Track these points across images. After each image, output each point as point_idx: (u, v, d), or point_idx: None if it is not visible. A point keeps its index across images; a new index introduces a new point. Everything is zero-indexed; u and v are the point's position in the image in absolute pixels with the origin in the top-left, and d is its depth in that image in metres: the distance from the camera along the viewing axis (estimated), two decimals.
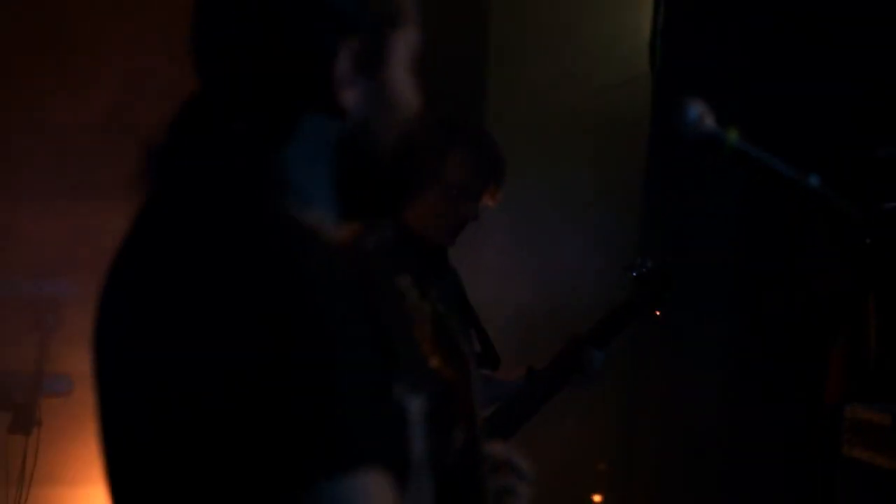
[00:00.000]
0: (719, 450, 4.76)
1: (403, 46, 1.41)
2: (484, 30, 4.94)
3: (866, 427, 3.28)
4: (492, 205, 3.14)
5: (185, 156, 1.32)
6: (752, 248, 4.41)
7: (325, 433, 1.12)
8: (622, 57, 5.02)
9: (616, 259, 4.00)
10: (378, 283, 1.35)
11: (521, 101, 4.92)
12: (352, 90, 1.34)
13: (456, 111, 3.42)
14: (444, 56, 4.71)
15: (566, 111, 4.87)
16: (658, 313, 3.31)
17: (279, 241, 1.22)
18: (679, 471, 4.89)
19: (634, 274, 3.29)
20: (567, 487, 4.80)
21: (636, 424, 5.01)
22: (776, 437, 4.14)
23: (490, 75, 4.99)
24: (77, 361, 2.76)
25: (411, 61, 1.42)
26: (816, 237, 1.86)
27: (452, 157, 3.05)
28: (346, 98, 1.34)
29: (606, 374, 3.35)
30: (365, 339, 1.20)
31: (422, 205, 3.06)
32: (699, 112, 1.83)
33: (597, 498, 4.90)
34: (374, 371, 1.20)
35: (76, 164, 4.26)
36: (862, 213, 1.87)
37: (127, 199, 1.34)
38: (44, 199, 4.26)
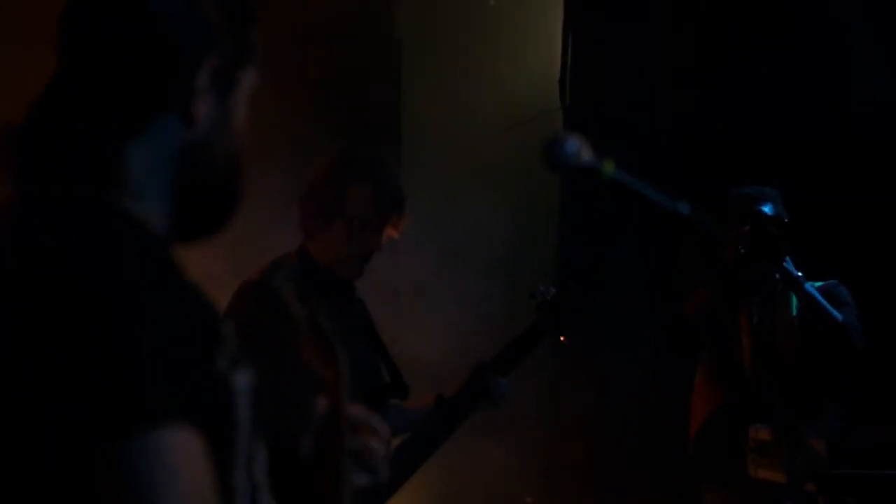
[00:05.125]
0: (640, 477, 4.87)
1: (248, 82, 1.53)
2: (397, 72, 5.03)
3: (764, 446, 3.34)
4: (395, 236, 3.18)
5: (36, 144, 1.43)
6: (660, 278, 4.52)
7: (131, 394, 1.28)
8: (533, 94, 5.13)
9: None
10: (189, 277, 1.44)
11: (434, 140, 5.01)
12: (204, 103, 1.46)
13: (368, 151, 3.46)
14: (358, 99, 4.80)
15: (478, 148, 4.97)
16: (563, 339, 3.35)
17: (100, 229, 1.36)
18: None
19: (537, 300, 3.34)
20: None
21: (559, 459, 5.10)
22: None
23: (403, 116, 5.07)
24: None
25: (249, 98, 1.55)
26: (688, 259, 1.97)
27: (353, 190, 3.11)
28: (197, 108, 1.45)
29: (529, 403, 3.39)
30: (175, 319, 1.33)
31: (326, 238, 3.11)
32: (576, 145, 1.92)
33: None
34: (187, 346, 1.34)
35: None
36: (727, 233, 1.98)
37: None
38: None
